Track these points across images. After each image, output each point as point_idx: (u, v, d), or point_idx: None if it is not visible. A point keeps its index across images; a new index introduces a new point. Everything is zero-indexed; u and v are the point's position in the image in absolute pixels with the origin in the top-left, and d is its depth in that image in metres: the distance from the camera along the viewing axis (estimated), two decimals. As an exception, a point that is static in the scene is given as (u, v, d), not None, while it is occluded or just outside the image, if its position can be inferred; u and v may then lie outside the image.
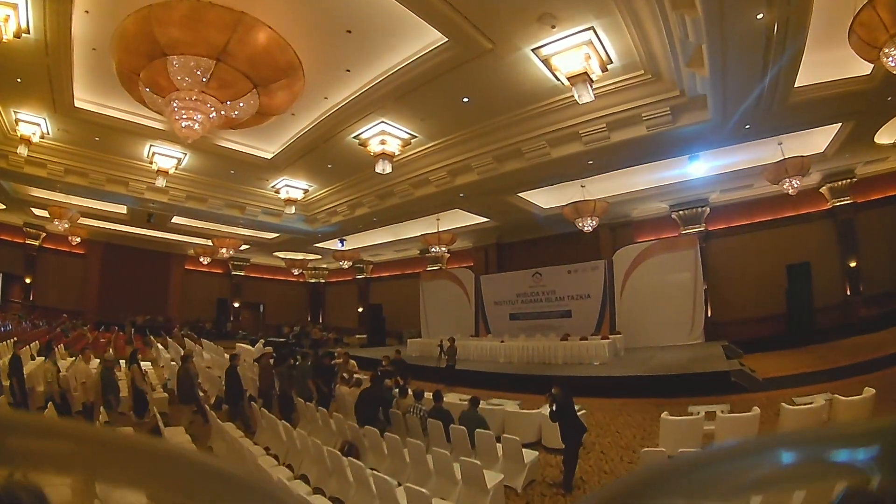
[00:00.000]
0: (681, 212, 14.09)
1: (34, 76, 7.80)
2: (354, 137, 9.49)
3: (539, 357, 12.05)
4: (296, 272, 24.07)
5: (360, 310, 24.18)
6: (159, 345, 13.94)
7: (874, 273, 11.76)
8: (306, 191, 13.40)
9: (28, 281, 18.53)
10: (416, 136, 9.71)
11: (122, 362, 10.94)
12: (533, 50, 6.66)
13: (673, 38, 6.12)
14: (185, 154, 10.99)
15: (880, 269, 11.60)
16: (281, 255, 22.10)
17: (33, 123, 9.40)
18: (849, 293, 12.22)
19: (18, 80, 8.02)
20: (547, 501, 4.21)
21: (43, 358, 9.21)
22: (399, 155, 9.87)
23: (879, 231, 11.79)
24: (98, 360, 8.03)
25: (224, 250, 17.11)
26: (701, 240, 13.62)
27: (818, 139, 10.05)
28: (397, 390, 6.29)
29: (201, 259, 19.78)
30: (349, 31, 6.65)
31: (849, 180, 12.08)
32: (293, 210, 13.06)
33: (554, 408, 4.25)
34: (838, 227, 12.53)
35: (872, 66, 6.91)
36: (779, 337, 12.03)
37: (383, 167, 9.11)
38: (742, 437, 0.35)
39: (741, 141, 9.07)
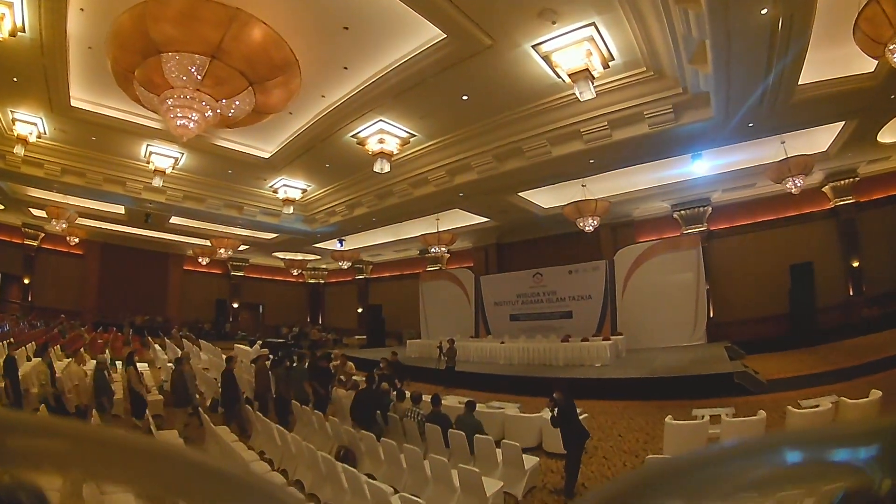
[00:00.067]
0: (682, 211, 13.99)
1: (30, 75, 7.74)
2: (352, 136, 9.39)
3: (540, 358, 11.94)
4: (295, 272, 23.98)
5: (360, 310, 24.08)
6: (157, 346, 13.84)
7: (876, 273, 11.67)
8: (304, 191, 13.31)
9: (26, 281, 18.47)
10: (414, 135, 9.60)
11: (119, 363, 10.88)
12: (533, 46, 6.55)
13: (676, 34, 6.02)
14: (183, 154, 10.91)
15: (883, 269, 11.52)
16: (280, 255, 22.02)
17: (30, 123, 9.36)
18: (851, 293, 12.12)
19: (14, 79, 7.97)
20: (548, 508, 4.11)
21: (39, 359, 9.11)
22: (398, 154, 9.77)
23: (882, 231, 11.71)
24: (95, 362, 7.93)
25: (222, 251, 17.02)
26: (703, 239, 13.52)
27: (821, 138, 9.98)
28: (395, 393, 6.19)
29: (200, 259, 19.71)
30: (346, 28, 6.55)
31: (851, 179, 12.00)
32: (291, 210, 12.97)
33: (555, 413, 4.13)
34: (840, 227, 12.45)
35: (876, 63, 6.89)
36: (781, 337, 11.94)
37: (381, 166, 9.01)
38: (742, 437, 0.35)
39: (744, 139, 8.97)
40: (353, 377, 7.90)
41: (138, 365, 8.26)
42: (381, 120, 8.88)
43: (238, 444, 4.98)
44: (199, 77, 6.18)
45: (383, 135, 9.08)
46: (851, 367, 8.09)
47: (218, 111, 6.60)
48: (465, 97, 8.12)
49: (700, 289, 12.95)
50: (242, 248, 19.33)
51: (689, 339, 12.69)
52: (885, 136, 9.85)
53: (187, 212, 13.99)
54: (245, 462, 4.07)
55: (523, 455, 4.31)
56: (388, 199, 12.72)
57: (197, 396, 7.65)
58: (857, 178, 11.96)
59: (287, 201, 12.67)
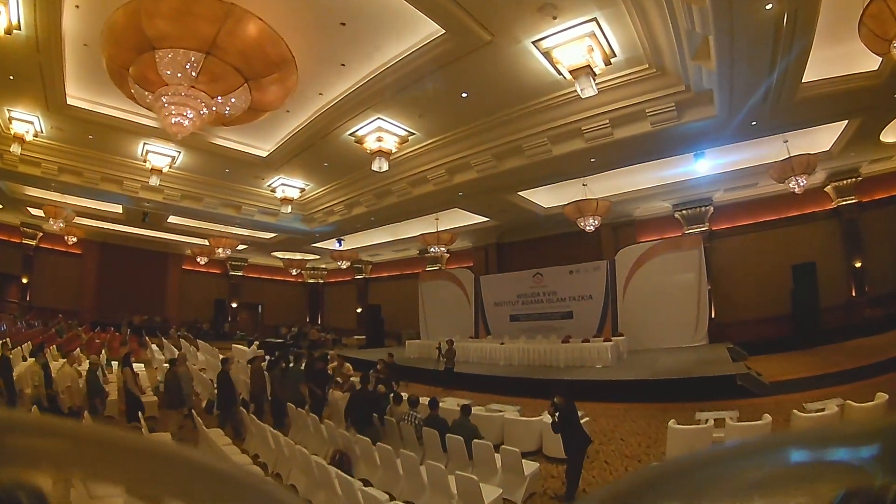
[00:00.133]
0: (684, 211, 13.89)
1: (26, 73, 7.68)
2: (350, 135, 9.30)
3: (540, 359, 11.83)
4: (294, 272, 23.91)
5: (359, 310, 23.99)
6: (154, 346, 13.75)
7: (879, 273, 11.58)
8: (302, 190, 13.21)
9: (25, 281, 18.40)
10: (413, 133, 9.50)
11: (115, 364, 10.79)
12: (533, 42, 6.45)
13: (679, 30, 5.91)
14: (180, 152, 10.83)
15: (885, 269, 11.43)
16: (279, 255, 21.94)
17: (26, 121, 9.31)
18: (854, 294, 12.02)
19: (11, 77, 7.92)
20: (548, 515, 4.00)
21: (33, 360, 9.03)
22: (396, 153, 9.67)
23: (884, 231, 11.63)
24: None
25: (221, 250, 16.94)
26: (705, 240, 13.42)
27: (823, 137, 9.90)
28: (392, 395, 6.08)
29: (198, 259, 19.63)
30: (343, 24, 6.45)
31: (854, 179, 11.91)
32: (289, 209, 12.90)
33: (556, 418, 4.02)
34: (843, 227, 12.35)
35: (880, 61, 6.84)
36: (783, 338, 11.84)
37: (380, 165, 8.91)
38: (743, 437, 0.31)
39: (747, 138, 8.87)
40: (351, 378, 7.80)
41: (135, 365, 8.18)
42: (379, 118, 8.78)
43: (231, 447, 4.88)
44: (193, 74, 6.09)
45: (381, 133, 8.98)
46: (855, 369, 8.01)
47: (213, 108, 6.52)
48: (464, 94, 8.02)
49: (702, 289, 12.85)
50: (241, 247, 19.25)
51: (690, 340, 12.59)
52: (887, 136, 9.77)
53: (185, 211, 13.91)
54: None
55: (523, 460, 4.20)
56: (386, 198, 12.62)
57: (193, 398, 7.57)
58: (860, 178, 11.88)
59: (285, 200, 12.59)
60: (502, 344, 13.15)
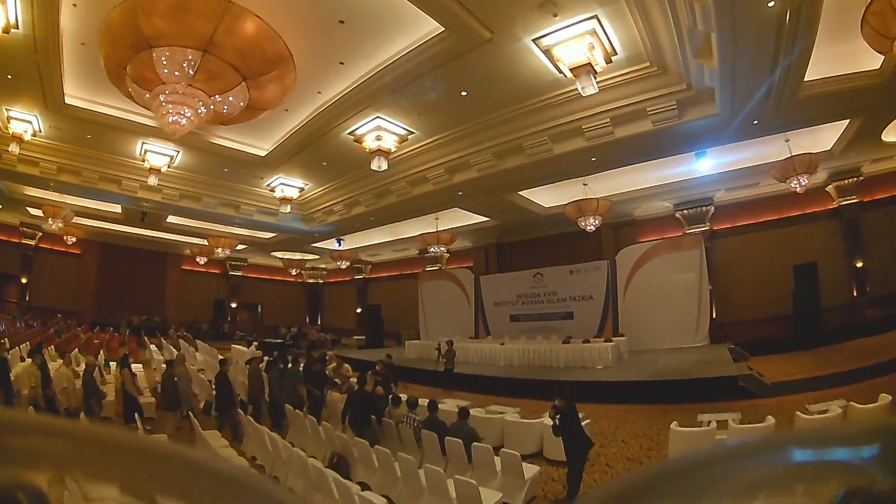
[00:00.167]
0: (685, 211, 13.83)
1: (24, 72, 7.66)
2: (349, 133, 9.25)
3: (540, 360, 11.76)
4: (294, 272, 23.85)
5: (359, 310, 23.94)
6: (153, 346, 13.70)
7: (880, 274, 11.52)
8: (302, 189, 13.16)
9: (24, 281, 18.35)
10: (412, 132, 9.44)
11: (113, 364, 10.74)
12: (534, 40, 6.39)
13: (680, 27, 5.86)
14: (178, 151, 10.79)
15: (886, 269, 11.37)
16: (278, 255, 21.88)
17: (25, 121, 9.28)
18: (855, 294, 11.96)
19: (9, 76, 7.91)
20: (549, 518, 3.94)
21: (30, 361, 8.98)
22: (395, 152, 9.62)
23: (885, 231, 11.57)
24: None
25: (220, 250, 16.89)
26: (705, 239, 13.36)
27: (825, 136, 9.86)
28: (391, 397, 6.02)
29: (198, 259, 19.58)
30: (342, 22, 6.40)
31: (855, 179, 11.86)
32: (288, 209, 12.86)
33: (557, 421, 3.95)
34: (844, 227, 12.29)
35: (882, 60, 6.81)
36: (785, 338, 11.77)
37: (379, 164, 8.86)
38: (743, 437, 0.35)
39: (748, 137, 8.82)
40: (350, 379, 7.74)
41: (134, 366, 8.13)
42: (378, 116, 8.73)
43: (228, 449, 4.83)
44: (191, 72, 6.05)
45: (381, 132, 8.92)
46: (857, 370, 7.96)
47: (211, 107, 6.47)
48: (464, 93, 7.97)
49: (703, 289, 12.78)
50: (240, 247, 19.20)
51: (691, 340, 12.53)
52: (889, 135, 9.73)
53: (184, 211, 13.87)
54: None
55: (523, 463, 4.14)
56: (386, 197, 12.56)
57: (193, 400, 7.51)
58: (861, 178, 11.82)
59: (284, 200, 12.54)
60: (502, 344, 13.08)
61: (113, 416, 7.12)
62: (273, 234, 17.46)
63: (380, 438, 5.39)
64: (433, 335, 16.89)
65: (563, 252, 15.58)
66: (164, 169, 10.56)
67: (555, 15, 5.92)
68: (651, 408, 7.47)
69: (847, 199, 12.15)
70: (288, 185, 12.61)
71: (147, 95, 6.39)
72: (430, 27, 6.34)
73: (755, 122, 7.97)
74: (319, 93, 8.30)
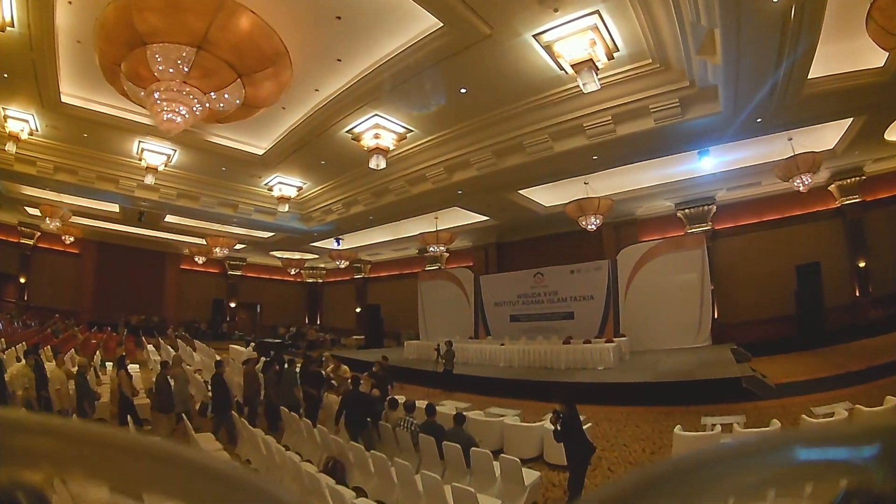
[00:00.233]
0: (686, 210, 13.73)
1: (20, 71, 7.59)
2: (347, 132, 9.14)
3: (541, 361, 11.66)
4: (293, 272, 23.75)
5: (358, 310, 23.86)
6: (151, 346, 13.62)
7: (882, 274, 11.43)
8: (300, 188, 13.06)
9: (23, 280, 18.30)
10: (411, 130, 9.34)
11: (109, 365, 10.66)
12: (534, 36, 6.28)
13: (683, 22, 5.75)
14: (175, 150, 10.71)
15: (889, 269, 11.30)
16: (277, 254, 21.79)
17: (21, 120, 9.20)
18: (858, 294, 11.87)
19: (5, 75, 7.84)
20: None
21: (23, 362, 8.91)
22: (394, 150, 9.52)
23: (888, 230, 11.49)
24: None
25: (218, 249, 16.79)
26: (707, 239, 13.26)
27: (827, 135, 9.78)
28: (387, 401, 5.92)
29: (196, 258, 19.48)
30: (339, 18, 6.29)
31: (858, 178, 11.78)
32: (286, 208, 12.75)
33: (559, 426, 3.85)
34: (847, 227, 12.21)
35: (886, 58, 6.73)
36: (787, 339, 11.67)
37: (377, 162, 8.76)
38: (743, 437, 0.36)
39: (751, 135, 8.72)
40: (348, 380, 7.64)
41: (130, 367, 8.04)
42: (376, 114, 8.62)
43: (222, 452, 4.73)
44: (185, 69, 5.95)
45: (379, 130, 8.82)
46: (860, 371, 7.88)
47: (206, 104, 6.37)
48: (463, 90, 7.86)
49: (705, 289, 12.69)
50: (239, 246, 19.12)
51: (693, 340, 12.44)
52: (892, 134, 9.67)
53: (181, 210, 13.78)
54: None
55: (523, 469, 4.04)
56: (385, 196, 12.46)
57: (189, 401, 7.42)
58: (864, 177, 11.75)
59: (282, 199, 12.45)
60: (502, 345, 12.99)
61: (107, 418, 7.03)
62: (272, 234, 17.37)
63: (376, 442, 5.29)
64: (433, 335, 16.80)
65: (563, 251, 15.49)
66: (160, 168, 10.48)
67: (555, 10, 5.81)
68: (653, 410, 7.37)
69: (849, 199, 12.07)
70: (286, 184, 12.52)
71: (142, 93, 6.31)
72: (428, 23, 6.24)
73: (758, 120, 7.87)
74: (317, 90, 8.20)
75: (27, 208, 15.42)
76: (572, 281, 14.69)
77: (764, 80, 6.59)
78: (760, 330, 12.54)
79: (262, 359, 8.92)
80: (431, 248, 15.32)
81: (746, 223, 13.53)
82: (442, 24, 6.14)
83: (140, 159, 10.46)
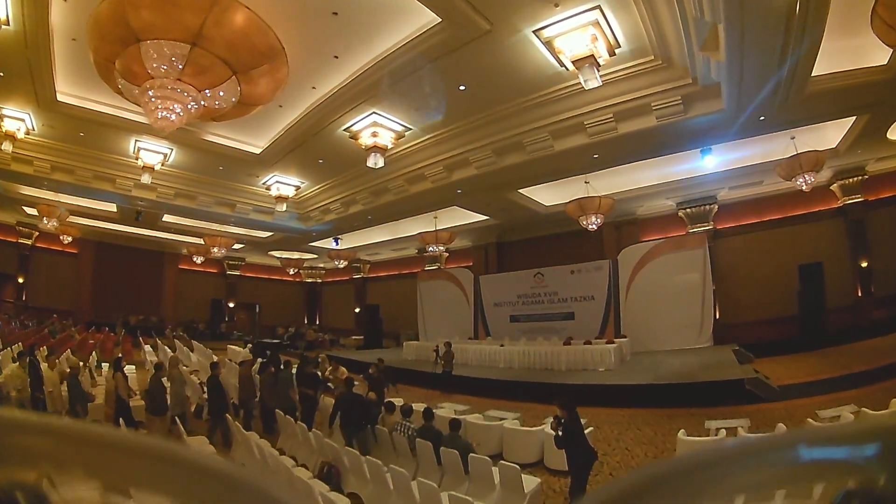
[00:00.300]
0: (688, 209, 13.63)
1: (16, 70, 7.51)
2: (345, 130, 9.04)
3: (541, 362, 11.55)
4: (292, 272, 23.66)
5: (357, 310, 23.77)
6: (148, 347, 13.52)
7: (885, 274, 11.33)
8: (298, 188, 12.96)
9: (21, 280, 18.23)
10: (409, 128, 9.23)
11: (105, 366, 10.57)
12: (534, 31, 6.17)
13: (686, 18, 5.64)
14: (172, 149, 10.62)
15: (891, 269, 11.20)
16: (276, 254, 21.70)
17: (18, 119, 9.13)
18: (860, 294, 11.76)
19: (1, 74, 7.73)
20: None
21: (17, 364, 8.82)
22: (392, 149, 9.41)
23: (890, 230, 11.40)
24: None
25: (216, 249, 16.70)
26: (709, 239, 13.16)
27: (830, 134, 9.70)
28: (384, 404, 5.82)
29: (195, 258, 19.39)
30: (335, 14, 6.19)
31: (860, 177, 11.69)
32: (284, 208, 12.66)
33: (560, 432, 3.74)
34: (849, 226, 12.11)
35: (890, 55, 6.64)
36: (790, 340, 11.58)
37: (375, 161, 8.65)
38: (743, 437, 0.42)
39: (754, 134, 8.61)
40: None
41: (127, 368, 7.95)
42: (374, 112, 8.52)
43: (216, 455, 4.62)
44: (179, 66, 5.86)
45: (377, 128, 8.72)
46: (865, 372, 7.79)
47: (201, 102, 6.29)
48: (462, 87, 7.75)
49: (706, 289, 12.59)
50: (238, 246, 19.04)
51: (695, 341, 12.34)
52: (895, 133, 9.56)
53: (179, 209, 13.70)
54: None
55: (523, 475, 3.93)
56: (383, 196, 12.37)
57: (186, 403, 7.32)
58: (866, 176, 11.66)
59: (280, 199, 12.36)
60: (502, 346, 12.89)
61: (101, 420, 6.93)
62: (270, 234, 17.28)
63: (372, 446, 5.18)
64: (432, 336, 16.70)
65: (564, 251, 15.38)
66: (157, 167, 10.40)
67: (556, 5, 5.71)
68: (655, 412, 7.27)
69: (852, 198, 11.98)
70: (284, 184, 12.42)
71: (136, 91, 6.22)
72: (426, 18, 6.13)
73: (762, 118, 7.76)
74: (314, 88, 8.10)
75: (25, 208, 15.35)
76: (573, 281, 14.59)
77: (768, 76, 6.48)
78: (762, 330, 12.44)
79: (259, 360, 8.81)
80: (431, 248, 15.22)
81: (748, 223, 13.43)
82: (440, 20, 6.04)
83: (137, 158, 10.36)
